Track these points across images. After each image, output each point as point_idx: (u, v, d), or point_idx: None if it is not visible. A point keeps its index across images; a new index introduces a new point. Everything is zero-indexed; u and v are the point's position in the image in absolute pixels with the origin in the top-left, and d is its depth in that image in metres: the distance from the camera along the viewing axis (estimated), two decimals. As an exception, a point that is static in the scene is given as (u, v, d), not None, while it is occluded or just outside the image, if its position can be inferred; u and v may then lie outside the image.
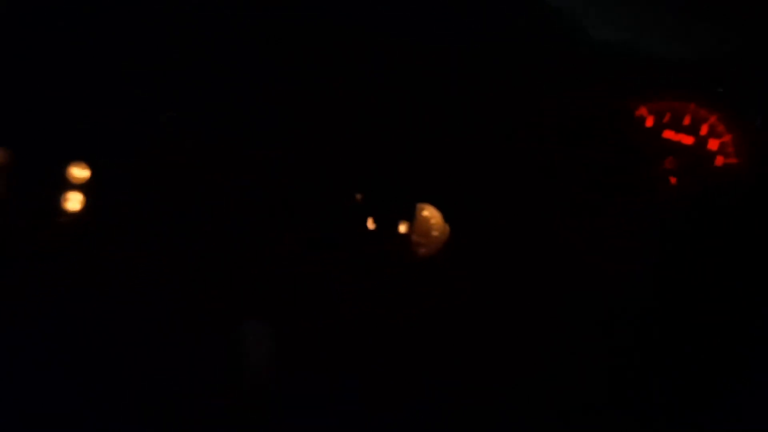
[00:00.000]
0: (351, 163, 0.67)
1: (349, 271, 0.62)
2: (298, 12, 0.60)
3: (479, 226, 0.68)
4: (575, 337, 0.60)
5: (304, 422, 0.43)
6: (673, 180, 0.70)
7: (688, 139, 0.69)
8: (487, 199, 0.67)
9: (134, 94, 0.55)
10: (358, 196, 0.67)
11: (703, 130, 0.69)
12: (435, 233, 0.70)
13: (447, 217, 0.69)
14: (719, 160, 0.69)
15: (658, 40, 0.69)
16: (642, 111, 0.70)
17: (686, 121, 0.69)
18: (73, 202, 0.54)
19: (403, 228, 0.69)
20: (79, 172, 0.55)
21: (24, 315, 0.43)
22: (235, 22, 0.59)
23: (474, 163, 0.67)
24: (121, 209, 0.53)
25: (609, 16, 0.70)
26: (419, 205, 0.69)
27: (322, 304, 0.49)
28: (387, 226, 0.68)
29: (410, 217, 0.69)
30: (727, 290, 0.63)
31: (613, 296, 0.59)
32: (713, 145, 0.69)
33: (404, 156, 0.69)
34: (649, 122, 0.70)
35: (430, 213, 0.70)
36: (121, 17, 0.54)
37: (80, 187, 0.54)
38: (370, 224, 0.68)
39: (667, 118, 0.70)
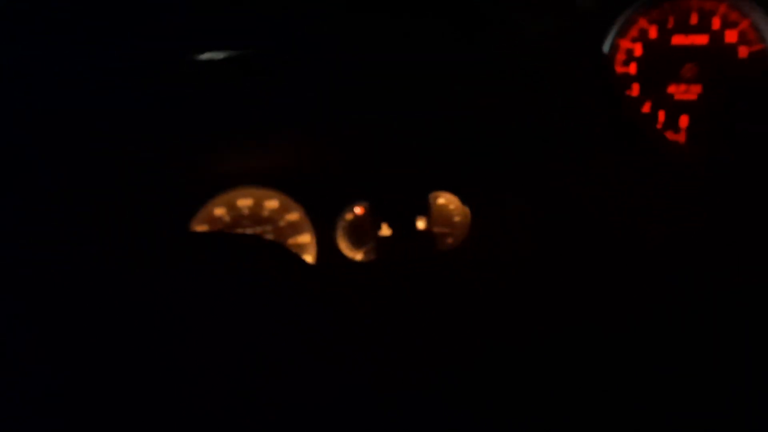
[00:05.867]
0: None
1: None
2: None
3: (498, 202, 0.63)
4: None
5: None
6: (697, 88, 0.62)
7: (701, 39, 0.61)
8: (494, 170, 0.62)
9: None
10: (360, 208, 0.64)
11: (715, 23, 0.61)
12: (457, 219, 0.66)
13: (465, 199, 0.65)
14: (743, 51, 0.60)
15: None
16: (641, 23, 0.63)
17: (693, 19, 0.61)
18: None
19: (421, 224, 0.66)
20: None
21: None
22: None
23: (473, 137, 0.63)
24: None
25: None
26: (432, 195, 0.65)
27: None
28: (403, 226, 0.65)
29: (425, 209, 0.66)
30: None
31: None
32: (731, 36, 0.60)
33: (406, 147, 0.65)
34: (653, 33, 0.63)
35: (446, 199, 0.66)
36: None
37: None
38: (385, 230, 0.65)
39: (671, 23, 0.62)
